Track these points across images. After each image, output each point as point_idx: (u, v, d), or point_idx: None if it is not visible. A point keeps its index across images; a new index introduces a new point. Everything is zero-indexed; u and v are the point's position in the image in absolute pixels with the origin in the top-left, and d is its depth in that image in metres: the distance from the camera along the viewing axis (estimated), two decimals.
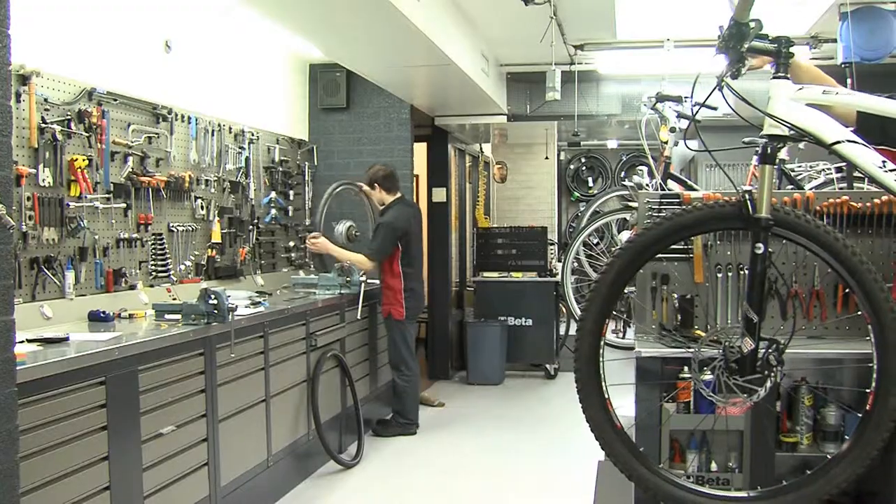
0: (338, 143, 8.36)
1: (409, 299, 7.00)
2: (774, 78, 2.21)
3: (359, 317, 6.76)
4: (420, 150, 9.43)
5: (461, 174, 10.48)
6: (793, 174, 5.63)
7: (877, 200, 3.90)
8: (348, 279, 6.79)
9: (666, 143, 5.25)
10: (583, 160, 14.29)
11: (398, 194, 7.20)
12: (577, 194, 14.29)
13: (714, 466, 3.85)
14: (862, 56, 6.51)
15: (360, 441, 6.50)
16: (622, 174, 13.64)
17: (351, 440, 6.59)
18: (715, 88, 2.34)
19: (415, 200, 8.94)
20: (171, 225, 5.69)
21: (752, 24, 2.16)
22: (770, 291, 3.92)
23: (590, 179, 14.29)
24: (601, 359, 2.28)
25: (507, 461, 6.49)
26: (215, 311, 4.57)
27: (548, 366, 9.69)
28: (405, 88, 7.82)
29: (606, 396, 2.29)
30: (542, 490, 5.83)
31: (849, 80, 6.69)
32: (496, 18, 6.85)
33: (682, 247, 3.92)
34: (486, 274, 9.89)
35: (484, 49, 7.61)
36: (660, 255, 3.89)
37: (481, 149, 11.57)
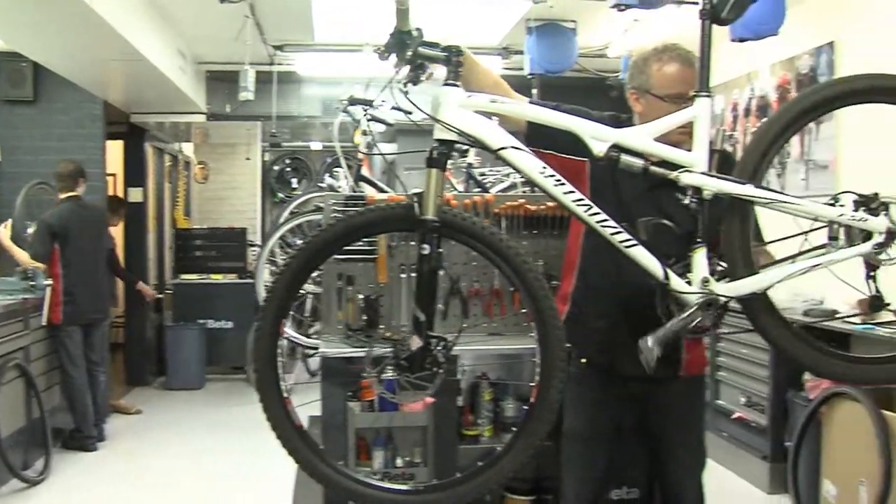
0: (24, 139, 7.79)
1: (68, 304, 6.62)
2: (445, 85, 2.28)
3: (44, 322, 6.37)
4: (116, 148, 9.06)
5: (160, 174, 10.15)
6: (482, 178, 5.91)
7: (549, 204, 4.18)
8: (33, 283, 6.38)
9: (359, 145, 5.37)
10: (287, 161, 14.22)
11: (71, 193, 6.82)
12: (280, 195, 14.21)
13: (400, 462, 3.98)
14: (546, 68, 7.02)
15: (48, 455, 6.12)
16: (326, 176, 13.68)
17: (39, 455, 6.18)
18: (383, 90, 2.40)
19: (112, 199, 8.59)
20: None
21: (414, 33, 2.24)
22: (452, 291, 4.12)
23: (294, 181, 14.25)
24: (279, 358, 2.29)
25: (208, 466, 6.38)
26: None
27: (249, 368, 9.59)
28: (96, 83, 7.45)
29: (286, 395, 2.30)
30: (245, 492, 5.82)
31: (534, 91, 7.16)
32: (192, 15, 6.71)
33: (367, 247, 4.03)
34: (185, 276, 9.61)
35: (181, 46, 7.43)
36: (344, 257, 4.01)
37: (180, 148, 11.27)
